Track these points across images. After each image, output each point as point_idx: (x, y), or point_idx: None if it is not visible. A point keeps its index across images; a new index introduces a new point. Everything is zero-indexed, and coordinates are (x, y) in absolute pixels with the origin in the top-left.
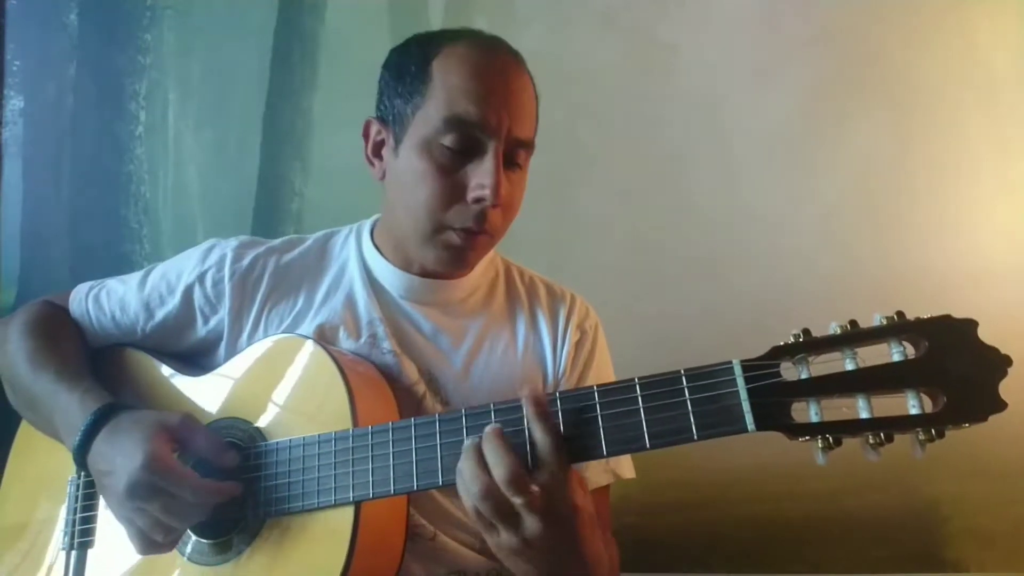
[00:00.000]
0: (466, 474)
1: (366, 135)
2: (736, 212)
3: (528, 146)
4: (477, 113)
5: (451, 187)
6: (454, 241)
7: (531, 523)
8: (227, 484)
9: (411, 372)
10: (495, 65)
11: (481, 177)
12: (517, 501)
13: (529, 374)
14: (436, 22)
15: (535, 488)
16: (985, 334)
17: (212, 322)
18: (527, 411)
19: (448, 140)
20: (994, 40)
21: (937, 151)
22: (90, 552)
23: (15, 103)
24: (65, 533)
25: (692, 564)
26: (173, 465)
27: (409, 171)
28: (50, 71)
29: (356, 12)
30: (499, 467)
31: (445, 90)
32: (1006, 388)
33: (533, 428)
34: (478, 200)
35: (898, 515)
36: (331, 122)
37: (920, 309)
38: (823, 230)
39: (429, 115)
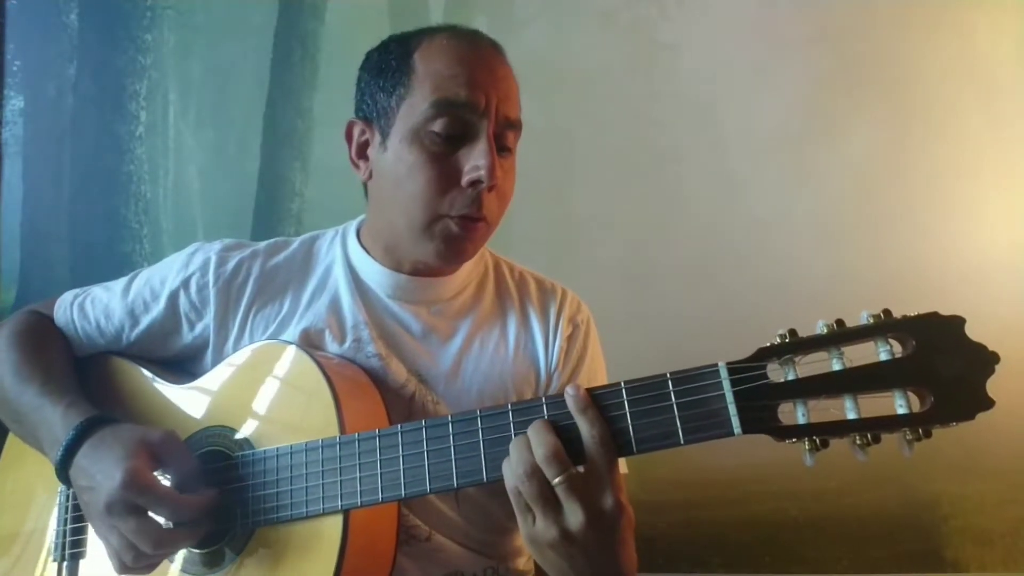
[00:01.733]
0: (512, 455)
1: (349, 137)
2: (734, 211)
3: (517, 127)
4: (466, 94)
5: (445, 174)
6: (452, 230)
7: (573, 512)
8: (204, 496)
9: (399, 374)
10: (477, 51)
11: (475, 159)
12: (556, 480)
13: (520, 371)
14: (436, 22)
15: (575, 470)
16: (984, 335)
17: (198, 328)
18: (571, 406)
19: (438, 126)
20: (993, 39)
21: (935, 151)
22: (81, 563)
23: (15, 103)
24: (56, 544)
25: (692, 564)
26: (152, 484)
27: (400, 163)
28: (50, 71)
29: (356, 12)
30: (540, 446)
31: (430, 77)
32: (1006, 388)
33: (579, 421)
34: (474, 183)
35: (897, 514)
36: (331, 122)
37: (916, 310)
38: (820, 231)
39: (416, 103)
